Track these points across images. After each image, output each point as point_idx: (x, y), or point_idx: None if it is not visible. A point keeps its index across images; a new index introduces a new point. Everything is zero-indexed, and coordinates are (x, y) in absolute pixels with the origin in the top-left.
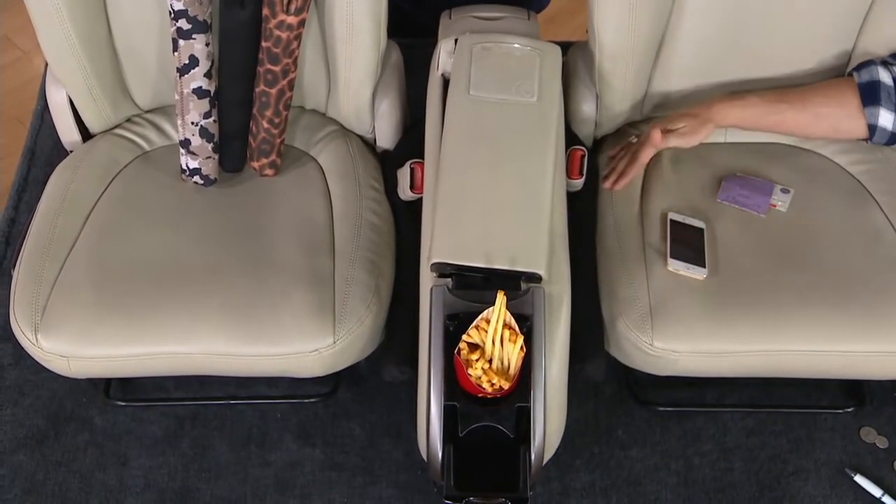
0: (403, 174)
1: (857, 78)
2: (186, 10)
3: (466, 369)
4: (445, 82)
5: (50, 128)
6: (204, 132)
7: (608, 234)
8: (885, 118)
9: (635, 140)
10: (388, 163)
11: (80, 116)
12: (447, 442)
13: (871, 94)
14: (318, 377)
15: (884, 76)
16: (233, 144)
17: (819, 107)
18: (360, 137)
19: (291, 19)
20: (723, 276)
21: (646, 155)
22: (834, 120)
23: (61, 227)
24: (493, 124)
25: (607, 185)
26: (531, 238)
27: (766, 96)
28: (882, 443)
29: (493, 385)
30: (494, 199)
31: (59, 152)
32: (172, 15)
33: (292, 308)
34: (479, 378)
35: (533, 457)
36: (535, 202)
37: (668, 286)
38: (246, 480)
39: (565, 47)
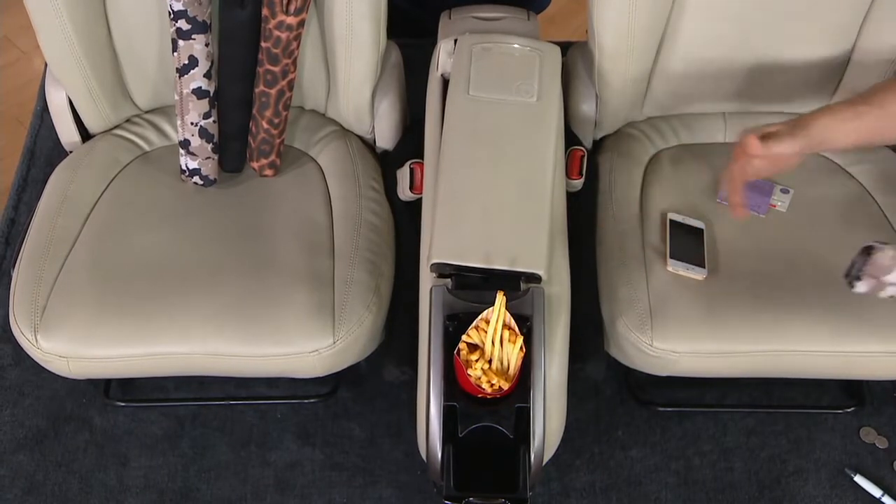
0: (403, 174)
1: None
2: (186, 11)
3: (466, 370)
4: (445, 82)
5: (50, 128)
6: (203, 132)
7: (608, 234)
8: None
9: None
10: (388, 163)
11: (79, 117)
12: (447, 442)
13: None
14: (318, 377)
15: None
16: (232, 145)
17: None
18: (360, 138)
19: (291, 20)
20: (722, 276)
21: (742, 169)
22: None
23: (61, 228)
24: (492, 124)
25: (737, 214)
26: (531, 238)
27: (847, 107)
28: (882, 443)
29: (492, 385)
30: (494, 200)
31: (59, 152)
32: (172, 15)
33: (292, 308)
34: (479, 378)
35: (533, 457)
36: (535, 202)
37: (668, 287)
38: (246, 480)
39: (565, 47)
